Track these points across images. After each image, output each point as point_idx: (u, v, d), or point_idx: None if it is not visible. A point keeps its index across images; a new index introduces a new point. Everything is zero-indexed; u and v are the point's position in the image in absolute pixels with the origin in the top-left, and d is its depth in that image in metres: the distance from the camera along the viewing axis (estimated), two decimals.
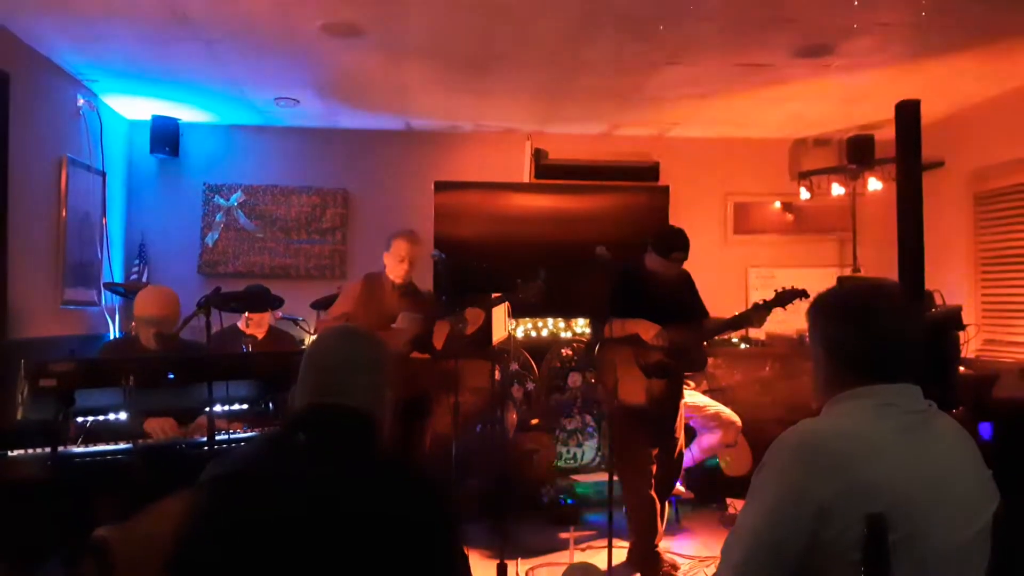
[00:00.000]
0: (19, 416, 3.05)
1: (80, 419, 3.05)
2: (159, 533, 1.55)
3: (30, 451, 2.89)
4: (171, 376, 2.95)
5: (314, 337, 1.87)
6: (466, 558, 1.53)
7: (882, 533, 1.33)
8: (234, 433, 3.14)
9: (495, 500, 4.41)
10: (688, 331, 3.87)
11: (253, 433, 3.20)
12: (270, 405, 3.28)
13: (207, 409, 3.08)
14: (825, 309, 1.63)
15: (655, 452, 3.96)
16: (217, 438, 2.95)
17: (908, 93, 5.14)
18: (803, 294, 3.82)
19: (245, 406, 3.27)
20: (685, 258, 3.94)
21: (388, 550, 1.38)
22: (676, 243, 3.85)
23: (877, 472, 1.39)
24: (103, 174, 5.39)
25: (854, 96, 5.28)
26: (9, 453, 2.86)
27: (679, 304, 3.92)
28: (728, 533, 1.53)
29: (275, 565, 1.38)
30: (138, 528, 1.67)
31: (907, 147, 3.04)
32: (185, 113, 5.85)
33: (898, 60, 4.56)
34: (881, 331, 1.53)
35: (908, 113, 3.09)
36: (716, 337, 4.45)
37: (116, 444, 2.99)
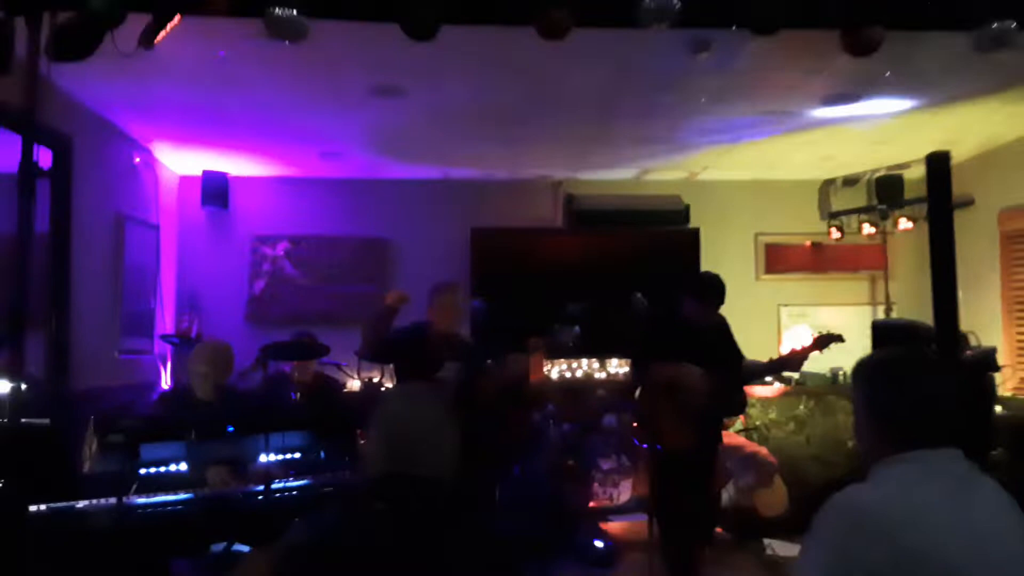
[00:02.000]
0: (86, 468, 3.26)
1: (143, 470, 3.22)
2: None
3: (97, 501, 3.07)
4: (230, 429, 3.11)
5: (386, 396, 1.91)
6: None
7: None
8: (288, 481, 3.30)
9: (535, 542, 4.50)
10: (726, 375, 3.96)
11: (305, 481, 3.35)
12: (322, 454, 3.43)
13: (263, 459, 3.26)
14: (867, 375, 1.70)
15: (694, 496, 4.03)
16: (273, 486, 3.13)
17: (937, 133, 5.28)
18: (839, 339, 3.92)
19: (298, 455, 3.42)
20: (722, 303, 4.05)
21: None
22: (713, 290, 3.97)
23: (923, 539, 1.45)
24: (157, 228, 5.66)
25: (882, 138, 5.38)
26: (77, 504, 3.04)
27: (716, 349, 4.01)
28: None
29: None
30: None
31: (938, 197, 3.15)
32: (233, 167, 6.12)
33: (927, 104, 4.66)
34: (923, 398, 1.60)
35: (939, 164, 3.20)
36: (753, 381, 4.53)
37: (177, 494, 3.17)
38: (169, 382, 5.70)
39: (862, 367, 1.73)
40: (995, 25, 2.67)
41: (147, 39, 2.71)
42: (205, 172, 6.12)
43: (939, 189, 3.12)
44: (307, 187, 6.43)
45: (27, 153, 2.88)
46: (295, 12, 2.66)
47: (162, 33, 2.67)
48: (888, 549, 1.45)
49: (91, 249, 4.69)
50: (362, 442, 3.46)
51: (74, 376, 4.41)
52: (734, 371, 4.04)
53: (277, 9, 2.64)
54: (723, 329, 4.17)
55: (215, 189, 6.15)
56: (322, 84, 4.27)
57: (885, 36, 2.73)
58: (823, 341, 3.92)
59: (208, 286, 6.23)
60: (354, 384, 5.78)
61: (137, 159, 5.38)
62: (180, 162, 5.99)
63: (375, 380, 5.71)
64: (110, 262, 5.02)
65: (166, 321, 5.82)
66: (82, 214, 4.52)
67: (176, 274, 6.17)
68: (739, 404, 4.21)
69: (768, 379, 5.95)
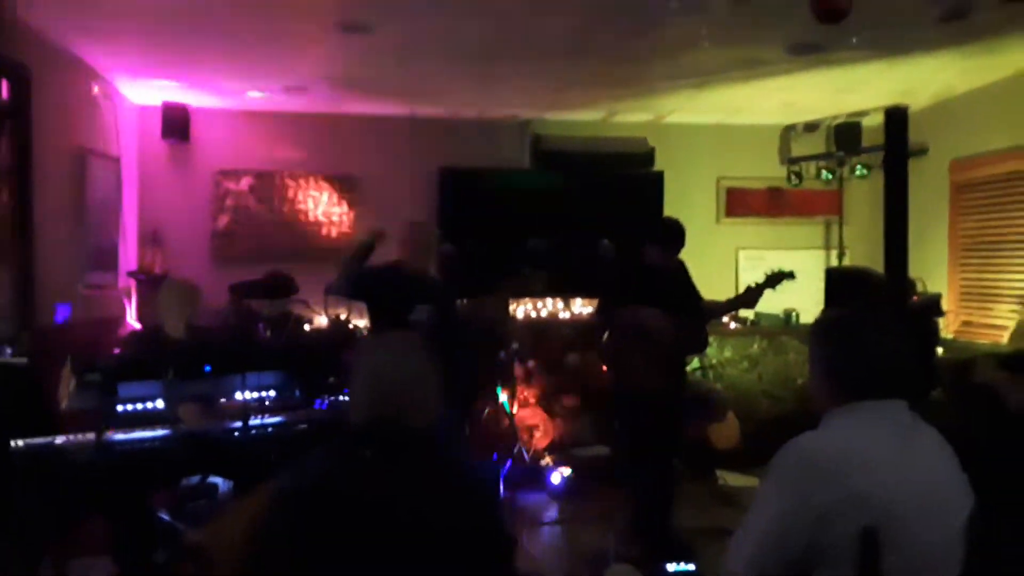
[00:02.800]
0: (63, 405, 3.30)
1: (120, 407, 3.28)
2: (239, 539, 1.66)
3: (76, 437, 3.12)
4: (207, 368, 3.17)
5: (367, 346, 1.97)
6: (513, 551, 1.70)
7: (874, 543, 1.57)
8: (264, 418, 3.39)
9: (501, 475, 4.70)
10: (688, 317, 4.13)
11: (280, 419, 3.44)
12: (296, 392, 3.52)
13: (237, 396, 3.34)
14: (822, 333, 1.85)
15: (658, 432, 4.23)
16: (250, 423, 3.22)
17: (895, 84, 5.42)
18: (790, 276, 4.15)
19: (273, 393, 3.50)
20: (682, 248, 4.20)
21: (453, 559, 1.50)
22: (674, 236, 4.12)
23: (870, 482, 1.60)
24: (118, 161, 5.56)
25: (843, 87, 5.50)
26: (56, 440, 3.09)
27: (677, 292, 4.17)
28: (734, 533, 1.75)
29: None
30: (222, 532, 1.77)
31: (895, 151, 3.28)
32: (194, 99, 5.99)
33: (886, 55, 4.77)
34: (872, 356, 1.75)
35: (897, 118, 3.32)
36: (712, 320, 4.72)
37: (155, 430, 3.23)
38: (135, 317, 5.68)
39: (817, 327, 1.88)
40: None
41: None
42: (165, 103, 5.98)
43: (896, 143, 3.26)
44: (271, 121, 6.33)
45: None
46: None
47: None
48: (837, 491, 1.60)
49: (53, 183, 4.60)
50: (343, 394, 3.54)
51: (40, 312, 4.39)
52: (695, 312, 4.22)
53: None
54: (682, 273, 4.33)
55: (175, 121, 6.02)
56: (287, 17, 4.19)
57: (852, 5, 2.81)
58: (775, 278, 4.16)
59: (170, 221, 6.15)
60: (321, 321, 5.84)
61: (96, 89, 5.24)
62: (139, 93, 5.84)
63: (343, 317, 5.77)
64: (72, 196, 4.93)
65: (129, 256, 5.77)
66: (42, 147, 4.42)
67: (138, 208, 6.08)
68: (701, 343, 4.40)
69: (725, 319, 6.17)
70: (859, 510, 1.58)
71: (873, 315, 1.85)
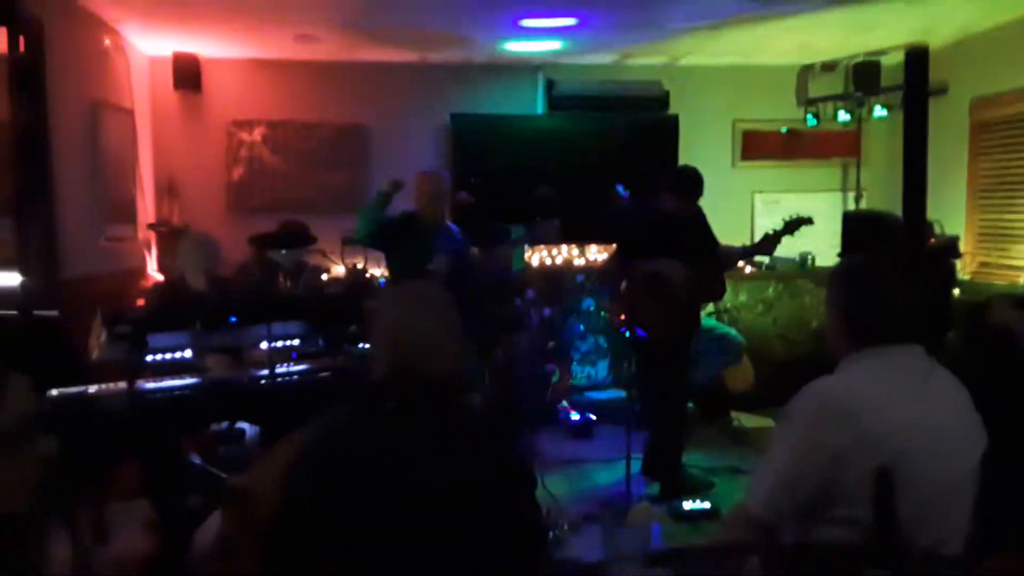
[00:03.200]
0: (94, 356, 3.38)
1: (150, 357, 3.36)
2: (273, 487, 1.63)
3: (107, 386, 3.21)
4: (233, 319, 3.24)
5: (387, 297, 1.90)
6: (540, 508, 1.70)
7: (889, 483, 1.62)
8: (289, 367, 3.47)
9: (517, 416, 4.79)
10: (706, 265, 4.15)
11: (304, 367, 3.52)
12: (320, 342, 3.59)
13: (264, 346, 3.42)
14: (840, 280, 1.89)
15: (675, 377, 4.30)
16: (278, 371, 3.30)
17: (915, 21, 5.31)
18: (808, 221, 4.14)
19: (297, 342, 3.57)
20: (700, 196, 4.20)
21: (479, 514, 1.49)
22: (692, 184, 4.10)
23: (884, 423, 1.65)
24: (132, 113, 5.56)
25: (862, 26, 5.39)
26: (89, 389, 3.19)
27: (694, 240, 4.19)
28: (750, 473, 1.81)
29: (371, 534, 1.44)
30: (261, 478, 1.76)
31: (915, 92, 3.25)
32: (205, 48, 5.95)
33: None
34: (888, 302, 1.78)
35: (917, 58, 3.28)
36: (729, 267, 4.74)
37: (184, 379, 3.32)
38: (156, 268, 5.75)
39: (835, 274, 1.92)
40: None
41: None
42: (175, 54, 5.94)
43: (916, 83, 3.22)
44: (282, 70, 6.28)
45: (14, 48, 2.84)
46: None
47: None
48: (852, 431, 1.65)
49: (68, 136, 4.62)
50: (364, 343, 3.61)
51: (63, 264, 4.46)
52: (712, 260, 4.24)
53: None
54: (700, 220, 4.33)
55: (187, 72, 6.00)
56: None
57: None
58: (793, 225, 4.15)
59: (185, 172, 6.17)
60: (339, 270, 5.89)
61: (107, 41, 5.21)
62: (149, 44, 5.81)
63: (359, 267, 5.83)
64: (88, 149, 4.96)
65: (147, 208, 5.81)
66: (57, 101, 4.43)
67: (153, 160, 6.10)
68: (718, 291, 4.43)
69: (740, 263, 6.18)
70: (874, 451, 1.63)
71: (890, 262, 1.88)
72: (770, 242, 4.20)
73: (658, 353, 4.08)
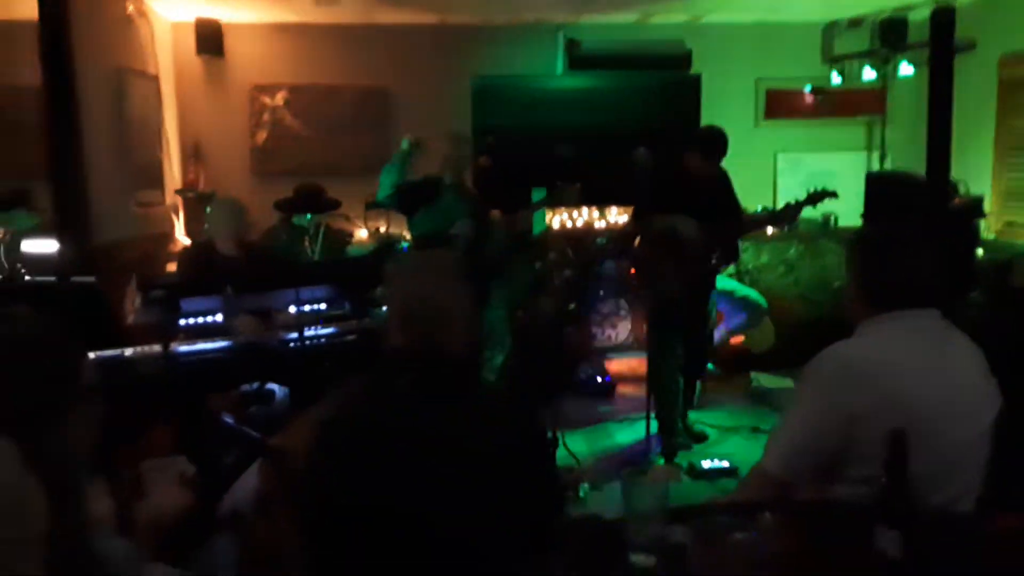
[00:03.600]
0: (129, 320, 3.49)
1: (183, 321, 3.46)
2: (302, 450, 1.67)
3: (143, 349, 3.32)
4: (263, 285, 3.33)
5: (400, 267, 1.83)
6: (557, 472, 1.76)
7: (903, 444, 1.67)
8: (317, 329, 3.56)
9: (539, 378, 4.87)
10: (724, 227, 4.16)
11: (332, 330, 3.61)
12: (346, 305, 3.67)
13: (290, 309, 3.51)
14: (859, 247, 1.92)
15: (687, 337, 4.35)
16: (306, 333, 3.39)
17: None
18: (832, 194, 4.12)
19: (324, 306, 3.66)
20: (724, 156, 4.19)
21: (496, 477, 1.51)
22: (717, 145, 4.10)
23: (900, 385, 1.70)
24: (156, 78, 5.61)
25: None
26: (125, 352, 3.30)
27: (716, 202, 4.20)
28: (770, 431, 1.86)
29: (390, 498, 1.47)
30: (294, 439, 1.81)
31: (940, 55, 3.22)
32: (225, 13, 5.97)
33: None
34: (906, 269, 1.81)
35: (943, 20, 3.24)
36: (748, 232, 4.76)
37: (216, 342, 3.43)
38: (184, 233, 5.86)
39: (854, 240, 1.95)
40: None
41: None
42: (197, 19, 5.97)
43: (942, 47, 3.19)
44: (303, 34, 6.29)
45: (44, 17, 2.90)
46: None
47: None
48: (869, 393, 1.70)
49: (96, 103, 4.68)
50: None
51: (93, 229, 4.56)
52: (732, 223, 4.25)
53: None
54: (724, 181, 4.33)
55: (209, 37, 6.03)
56: None
57: None
58: (816, 196, 4.14)
59: (210, 137, 6.24)
60: (361, 234, 5.97)
61: (131, 7, 5.25)
62: (171, 9, 5.84)
63: (382, 230, 5.89)
64: (115, 115, 5.03)
65: (173, 173, 5.90)
66: (83, 67, 4.48)
67: (178, 125, 6.17)
68: (730, 255, 4.45)
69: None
70: (889, 412, 1.67)
71: (909, 228, 1.90)
72: (791, 212, 4.22)
73: (667, 312, 4.13)
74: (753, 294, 5.44)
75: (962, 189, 5.08)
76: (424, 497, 1.47)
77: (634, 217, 4.41)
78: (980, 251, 5.11)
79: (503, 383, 4.95)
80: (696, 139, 4.18)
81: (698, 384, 4.67)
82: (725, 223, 4.16)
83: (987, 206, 5.35)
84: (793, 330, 5.70)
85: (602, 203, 6.23)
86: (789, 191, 6.59)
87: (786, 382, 5.22)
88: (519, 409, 1.70)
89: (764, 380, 5.53)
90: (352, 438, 1.55)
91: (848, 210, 5.79)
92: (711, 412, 4.95)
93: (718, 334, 5.41)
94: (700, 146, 4.12)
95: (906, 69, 6.02)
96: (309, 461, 1.57)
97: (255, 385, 3.87)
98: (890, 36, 6.08)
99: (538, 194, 5.14)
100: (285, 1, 5.65)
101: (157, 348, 3.25)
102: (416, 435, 1.51)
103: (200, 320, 3.45)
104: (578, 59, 6.28)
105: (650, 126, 5.96)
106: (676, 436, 4.33)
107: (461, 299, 1.68)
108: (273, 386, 3.95)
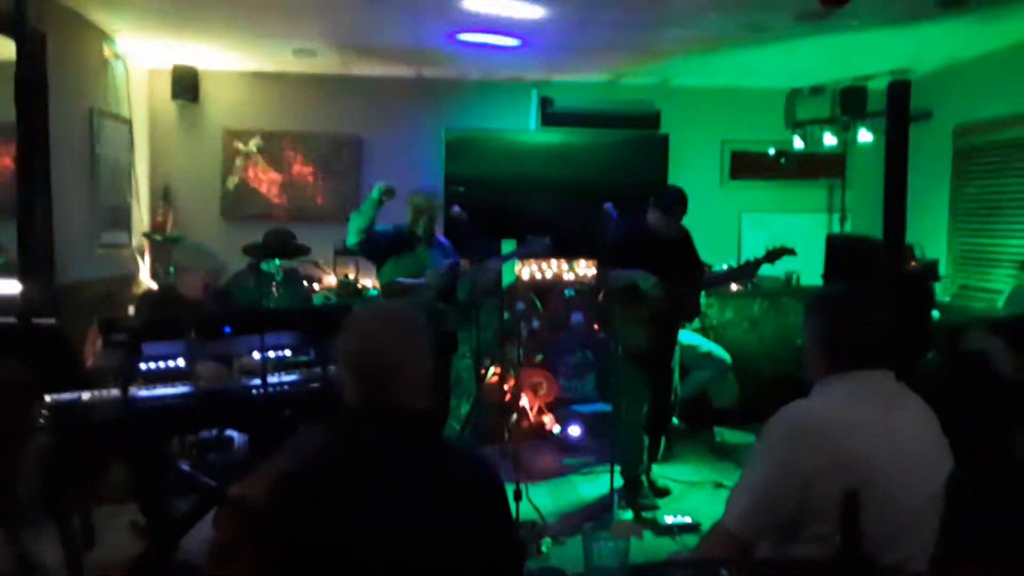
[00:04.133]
0: (89, 363, 3.44)
1: (144, 365, 3.41)
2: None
3: (101, 393, 3.26)
4: (227, 330, 3.30)
5: (352, 321, 1.70)
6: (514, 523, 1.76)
7: (855, 505, 1.69)
8: (280, 376, 3.53)
9: (505, 429, 4.86)
10: (685, 283, 4.25)
11: (294, 377, 3.58)
12: (311, 352, 3.65)
13: (253, 355, 3.47)
14: (817, 307, 1.97)
15: (652, 392, 4.39)
16: (269, 380, 3.35)
17: (900, 49, 5.44)
18: (791, 252, 4.26)
19: (288, 352, 3.63)
20: (684, 214, 4.30)
21: (454, 530, 1.52)
22: (677, 203, 4.22)
23: (855, 446, 1.73)
24: (129, 122, 5.62)
25: (849, 52, 5.52)
26: (83, 396, 3.24)
27: (678, 258, 4.29)
28: (731, 490, 1.88)
29: (353, 548, 1.47)
30: (256, 487, 1.75)
31: (896, 125, 3.34)
32: (203, 60, 6.03)
33: (892, 23, 4.79)
34: (861, 330, 1.86)
35: (899, 92, 3.38)
36: (709, 289, 4.87)
37: (176, 387, 3.38)
38: (149, 276, 5.80)
39: (813, 301, 2.01)
40: None
41: None
42: (175, 65, 6.02)
43: (897, 117, 3.32)
44: (279, 82, 6.37)
45: (22, 58, 2.91)
46: None
47: None
48: (824, 454, 1.73)
49: (67, 144, 4.68)
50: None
51: (58, 270, 4.51)
52: (693, 279, 4.34)
53: None
54: (685, 239, 4.44)
55: (185, 82, 6.08)
56: None
57: None
58: (774, 254, 4.29)
59: (181, 180, 6.24)
60: (331, 280, 5.96)
61: (107, 52, 5.28)
62: (149, 55, 5.88)
63: (351, 277, 5.89)
64: (86, 157, 5.02)
65: (142, 215, 5.87)
66: (56, 110, 4.49)
67: (149, 168, 6.16)
68: (691, 311, 4.54)
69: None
70: (843, 472, 1.70)
71: (865, 290, 1.96)
72: (751, 268, 4.40)
73: (629, 365, 4.18)
74: (717, 349, 5.50)
75: (918, 252, 5.24)
76: (385, 549, 1.47)
77: (598, 272, 4.49)
78: (936, 313, 5.25)
79: (467, 431, 4.94)
80: (657, 198, 4.30)
81: (663, 439, 4.69)
82: (685, 279, 4.25)
83: (942, 269, 5.51)
84: (757, 385, 5.77)
85: (571, 256, 6.31)
86: (753, 250, 6.74)
87: (749, 437, 5.26)
88: (478, 461, 1.70)
89: (728, 435, 5.57)
90: (313, 489, 1.54)
91: (810, 269, 5.94)
92: (675, 466, 4.96)
93: (682, 388, 5.46)
94: (661, 205, 4.24)
95: (865, 136, 6.25)
96: (271, 511, 1.56)
97: (214, 431, 3.82)
98: (850, 104, 6.32)
99: (508, 245, 5.21)
100: (264, 51, 5.73)
101: (116, 392, 3.20)
102: (376, 487, 1.51)
103: (161, 364, 3.40)
104: (551, 116, 6.42)
105: (619, 183, 6.10)
106: (641, 491, 4.33)
107: (417, 350, 1.65)
108: (232, 433, 3.90)
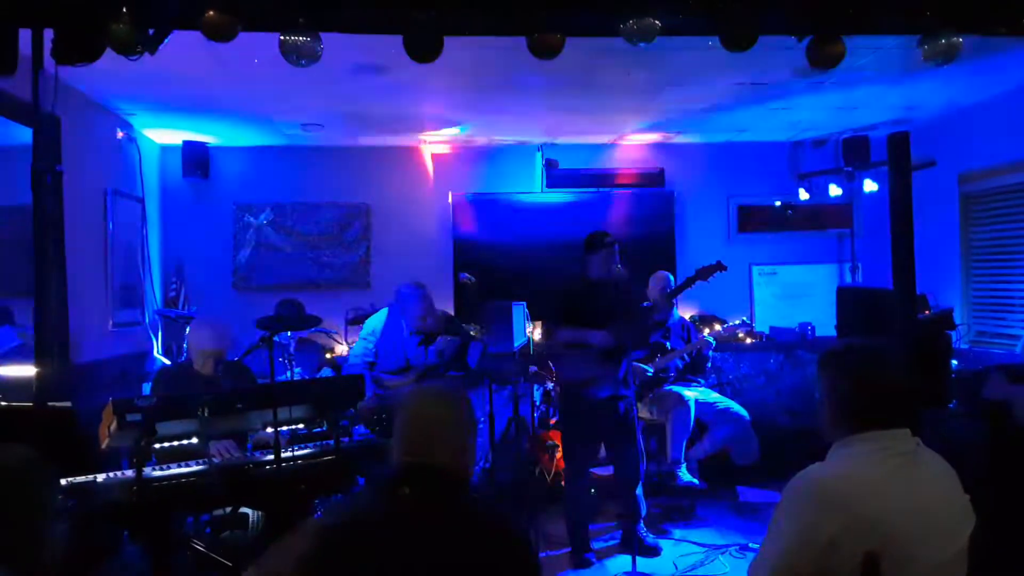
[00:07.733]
0: (104, 444, 3.43)
1: (158, 445, 3.40)
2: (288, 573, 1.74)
3: (115, 474, 3.25)
4: (240, 406, 3.30)
5: (408, 392, 2.02)
6: None
7: (876, 569, 1.65)
8: (294, 450, 3.51)
9: (522, 493, 4.79)
10: (630, 325, 4.32)
11: (310, 449, 3.56)
12: (324, 425, 3.63)
13: (267, 430, 3.46)
14: (829, 365, 1.95)
15: (607, 451, 4.47)
16: (282, 455, 3.33)
17: (901, 99, 5.49)
18: (723, 268, 4.60)
19: (301, 426, 3.62)
20: (615, 243, 4.34)
21: None
22: (595, 241, 4.36)
23: (875, 508, 1.70)
24: (142, 200, 5.72)
25: (851, 104, 5.58)
26: (98, 478, 3.22)
27: (617, 301, 4.31)
28: (752, 560, 1.84)
29: None
30: (275, 566, 1.85)
31: (899, 177, 3.37)
32: (214, 138, 6.16)
33: (891, 75, 4.85)
34: (876, 388, 1.84)
35: (898, 144, 3.41)
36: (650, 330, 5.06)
37: (190, 465, 3.36)
38: (160, 351, 5.83)
39: (826, 360, 1.97)
40: (943, 41, 2.92)
41: (151, 46, 2.80)
42: (185, 143, 6.15)
43: (900, 167, 3.35)
44: (288, 155, 6.49)
45: (38, 145, 2.99)
46: (307, 38, 2.77)
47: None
48: (843, 519, 1.69)
49: (81, 225, 4.76)
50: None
51: (73, 350, 4.53)
52: (636, 319, 4.42)
53: (291, 36, 2.77)
54: (624, 282, 4.45)
55: (196, 159, 6.20)
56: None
57: (845, 50, 2.95)
58: (705, 271, 4.58)
59: (193, 255, 6.32)
60: (342, 349, 5.97)
61: (120, 133, 5.41)
62: (160, 133, 6.02)
63: None
64: (100, 237, 5.10)
65: (155, 292, 5.93)
66: (71, 191, 4.57)
67: (161, 244, 6.25)
68: (641, 346, 4.76)
69: (740, 334, 6.19)
70: (864, 535, 1.67)
71: (879, 347, 1.94)
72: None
73: (576, 425, 4.33)
74: (735, 406, 5.43)
75: (932, 301, 5.20)
76: None
77: (544, 330, 4.65)
78: (954, 362, 5.18)
79: (482, 492, 4.87)
80: (584, 244, 4.41)
81: (639, 488, 4.55)
82: (629, 320, 4.27)
83: (958, 317, 5.46)
84: (778, 440, 5.67)
85: None
86: (765, 302, 6.74)
87: (773, 495, 5.15)
88: (508, 523, 1.79)
89: (750, 493, 5.46)
90: (349, 541, 1.66)
91: (824, 320, 5.90)
92: (699, 530, 4.85)
93: (703, 448, 5.38)
94: (585, 248, 4.38)
95: (870, 185, 6.27)
96: (307, 559, 1.67)
97: (228, 509, 3.78)
98: (853, 155, 6.36)
99: (519, 308, 5.22)
100: (273, 127, 5.85)
101: (129, 473, 3.18)
102: (411, 544, 1.63)
103: (175, 444, 3.39)
104: (556, 177, 6.51)
105: (627, 240, 6.12)
106: (581, 546, 4.37)
107: (453, 423, 1.86)
108: (247, 510, 3.85)
